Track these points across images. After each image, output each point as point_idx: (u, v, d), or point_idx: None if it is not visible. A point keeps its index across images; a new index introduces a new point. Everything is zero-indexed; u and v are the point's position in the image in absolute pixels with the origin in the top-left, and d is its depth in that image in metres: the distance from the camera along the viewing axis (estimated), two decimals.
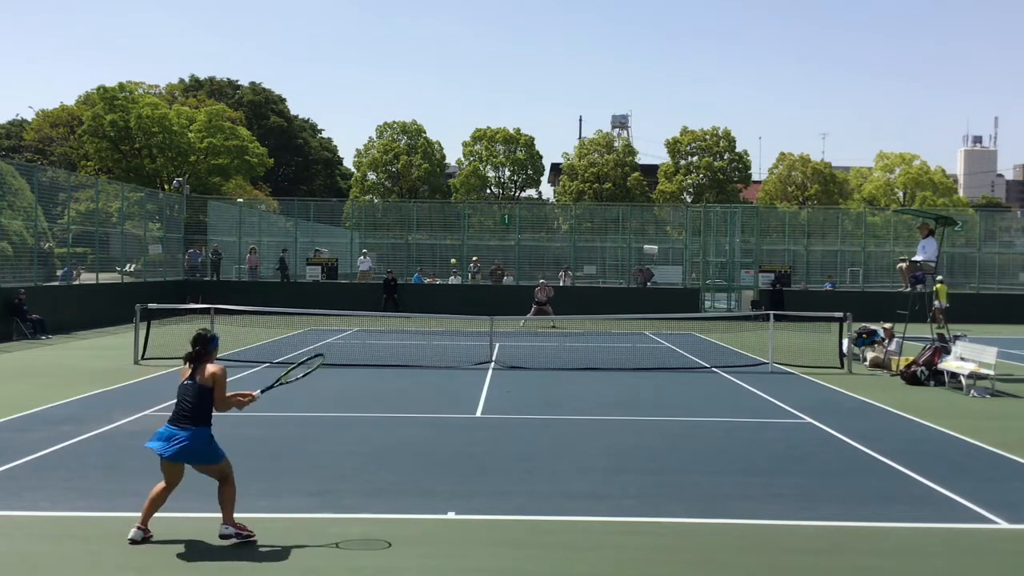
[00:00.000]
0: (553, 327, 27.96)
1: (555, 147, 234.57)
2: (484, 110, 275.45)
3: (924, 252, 18.15)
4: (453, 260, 36.33)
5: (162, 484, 6.77)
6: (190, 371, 6.93)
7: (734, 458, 9.89)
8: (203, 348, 7.00)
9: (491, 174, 69.58)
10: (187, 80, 76.61)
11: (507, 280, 35.82)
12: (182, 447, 6.62)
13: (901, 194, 68.67)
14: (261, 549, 6.63)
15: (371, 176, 69.41)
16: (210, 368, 6.92)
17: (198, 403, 6.79)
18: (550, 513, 7.64)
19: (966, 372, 15.06)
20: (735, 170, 67.59)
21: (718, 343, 23.84)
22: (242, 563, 6.33)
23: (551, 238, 41.04)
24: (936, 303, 18.89)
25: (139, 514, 7.45)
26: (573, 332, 26.73)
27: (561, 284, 35.22)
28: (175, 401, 6.92)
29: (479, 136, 69.11)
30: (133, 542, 6.59)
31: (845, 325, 18.24)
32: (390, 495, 8.13)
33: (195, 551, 6.57)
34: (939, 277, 18.52)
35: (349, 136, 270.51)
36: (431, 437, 10.78)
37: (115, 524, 7.18)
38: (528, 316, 27.58)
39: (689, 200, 65.39)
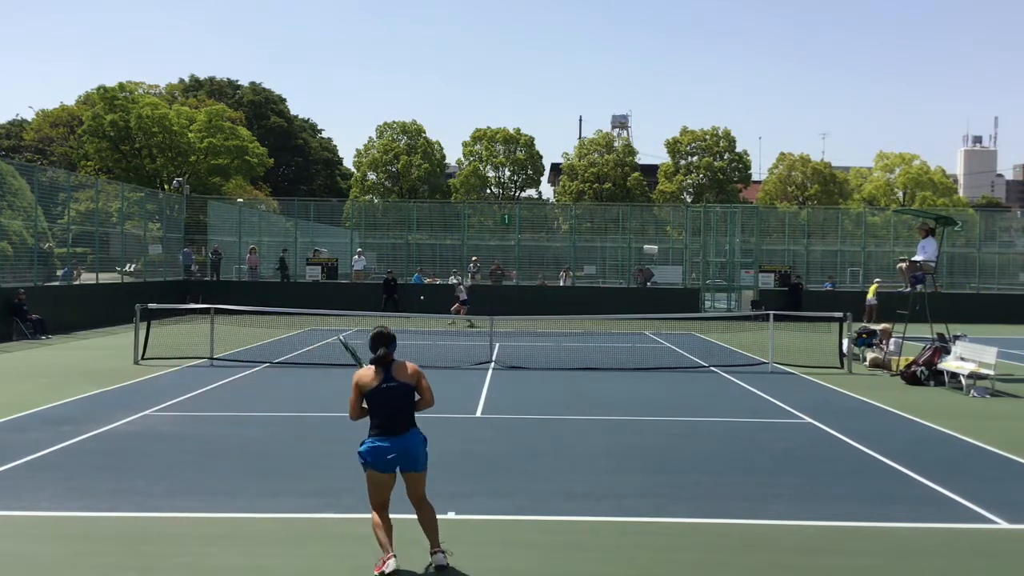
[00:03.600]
0: (470, 326, 27.66)
1: (555, 147, 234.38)
2: (484, 110, 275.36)
3: (924, 252, 18.16)
4: (457, 282, 35.98)
5: (376, 513, 6.21)
6: (381, 375, 6.26)
7: (734, 458, 9.89)
8: (387, 348, 6.30)
9: (491, 174, 69.59)
10: (187, 80, 76.62)
11: (512, 280, 35.87)
12: (421, 453, 6.25)
13: (901, 194, 68.67)
14: (262, 549, 6.62)
15: (371, 176, 69.42)
16: (409, 365, 6.40)
17: (409, 405, 6.31)
18: (550, 513, 7.64)
19: (966, 372, 15.06)
20: (735, 170, 67.61)
21: (718, 343, 23.84)
22: (242, 563, 6.33)
23: (551, 238, 41.04)
24: (868, 301, 18.92)
25: (138, 514, 7.46)
26: (573, 332, 26.73)
27: (561, 284, 35.25)
28: (377, 411, 6.25)
29: (479, 136, 69.13)
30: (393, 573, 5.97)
31: (845, 325, 18.24)
32: (390, 495, 8.11)
33: (196, 551, 6.56)
34: (877, 279, 18.60)
35: (349, 136, 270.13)
36: (431, 437, 10.74)
37: (115, 524, 7.18)
38: (458, 316, 27.45)
39: (689, 200, 65.40)
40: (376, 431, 6.20)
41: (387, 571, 5.88)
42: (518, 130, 69.01)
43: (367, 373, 6.30)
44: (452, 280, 32.95)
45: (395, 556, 5.98)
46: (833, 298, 32.29)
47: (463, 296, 29.38)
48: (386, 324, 6.62)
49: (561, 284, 35.25)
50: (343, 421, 11.76)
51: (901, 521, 7.52)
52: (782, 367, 17.92)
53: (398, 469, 6.21)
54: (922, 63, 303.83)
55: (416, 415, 6.35)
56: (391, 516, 6.27)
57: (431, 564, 6.17)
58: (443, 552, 6.15)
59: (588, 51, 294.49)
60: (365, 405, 6.29)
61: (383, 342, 6.31)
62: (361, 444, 6.26)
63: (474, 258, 35.66)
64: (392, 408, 6.21)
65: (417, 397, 6.39)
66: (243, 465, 9.24)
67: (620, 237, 37.30)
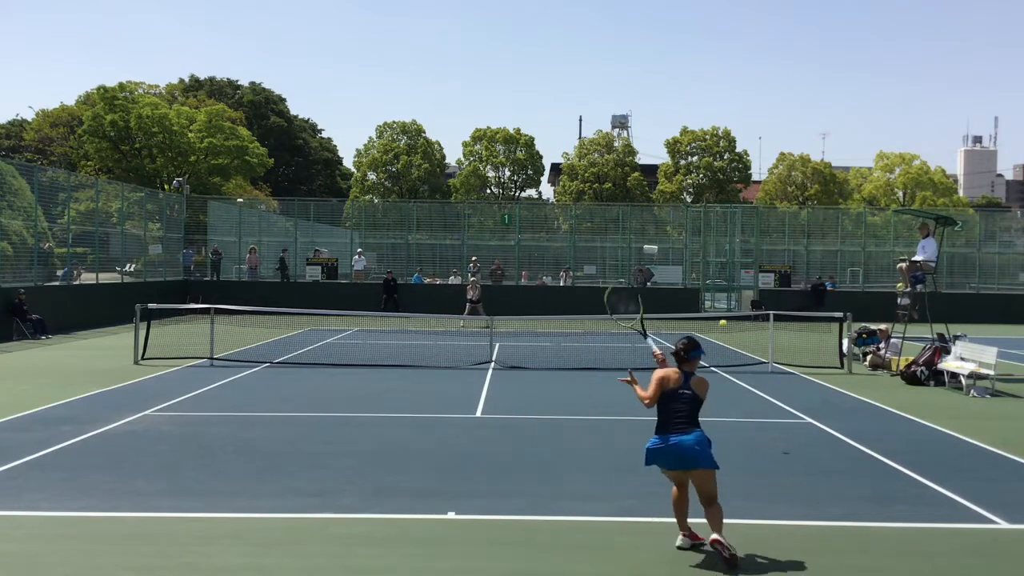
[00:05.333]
0: (486, 327, 27.53)
1: (555, 147, 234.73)
2: (484, 110, 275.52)
3: (924, 252, 18.15)
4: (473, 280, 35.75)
5: (676, 491, 6.78)
6: (682, 379, 6.80)
7: (734, 458, 9.88)
8: (690, 355, 6.84)
9: (491, 174, 69.60)
10: (187, 80, 76.64)
11: (530, 280, 35.91)
12: (686, 448, 6.62)
13: (901, 194, 68.68)
14: (262, 549, 6.62)
15: (371, 176, 69.43)
16: (705, 381, 6.90)
17: (695, 410, 6.81)
18: (550, 513, 7.64)
19: (966, 372, 15.06)
20: (735, 170, 67.60)
21: (718, 343, 23.84)
22: (242, 563, 6.33)
23: (551, 238, 41.04)
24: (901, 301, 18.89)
25: (138, 514, 7.47)
26: (573, 332, 26.73)
27: (561, 284, 35.24)
28: (666, 411, 6.77)
29: (479, 136, 69.12)
30: (682, 548, 6.64)
31: (845, 325, 18.23)
32: (390, 495, 8.12)
33: (196, 551, 6.56)
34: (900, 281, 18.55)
35: (349, 136, 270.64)
36: (431, 437, 10.78)
37: (115, 524, 7.18)
38: (464, 316, 27.45)
39: (689, 200, 65.40)
40: (664, 429, 6.77)
41: (677, 544, 6.63)
42: (518, 130, 69.01)
43: (671, 373, 6.85)
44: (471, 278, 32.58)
45: (685, 535, 6.67)
46: (860, 299, 32.26)
47: (473, 296, 29.32)
48: (694, 333, 7.16)
49: (561, 284, 35.25)
50: (343, 421, 11.78)
51: (901, 521, 7.52)
52: (782, 367, 17.92)
53: (685, 466, 6.63)
54: (922, 63, 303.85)
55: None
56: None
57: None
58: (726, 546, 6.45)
59: (588, 51, 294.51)
60: (665, 409, 6.82)
61: (693, 347, 6.88)
62: (649, 441, 6.86)
63: (474, 258, 35.66)
64: (681, 411, 6.74)
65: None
66: (243, 465, 9.24)
67: (620, 237, 37.30)
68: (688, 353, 6.82)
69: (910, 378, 16.32)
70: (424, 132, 70.10)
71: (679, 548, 6.65)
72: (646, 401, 6.88)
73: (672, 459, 6.63)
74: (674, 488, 6.78)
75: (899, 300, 18.28)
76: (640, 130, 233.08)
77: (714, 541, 6.41)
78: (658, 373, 6.88)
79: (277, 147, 71.64)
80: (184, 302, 28.32)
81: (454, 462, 9.45)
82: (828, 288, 36.14)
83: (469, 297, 29.23)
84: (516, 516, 7.56)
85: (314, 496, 8.03)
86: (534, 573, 6.24)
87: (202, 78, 77.91)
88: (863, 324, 20.72)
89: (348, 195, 68.75)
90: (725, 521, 7.43)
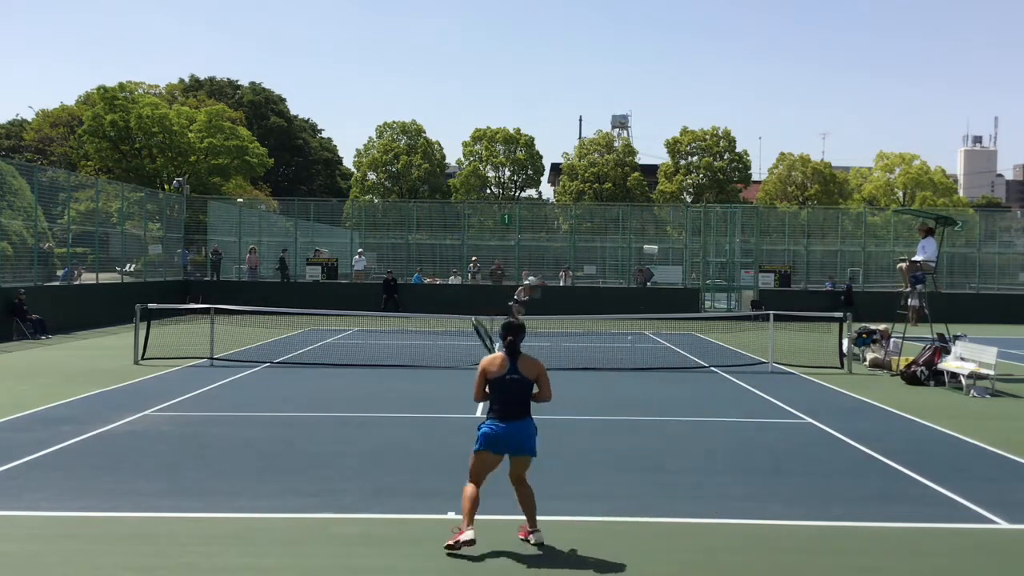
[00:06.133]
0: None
1: (555, 147, 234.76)
2: (484, 110, 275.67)
3: (924, 252, 18.15)
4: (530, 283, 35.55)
5: (473, 487, 6.69)
6: (507, 365, 6.68)
7: (734, 458, 9.89)
8: (515, 338, 6.71)
9: (491, 174, 69.57)
10: (187, 80, 76.61)
11: (530, 280, 35.84)
12: (523, 436, 6.69)
13: (901, 194, 68.68)
14: (262, 549, 6.62)
15: (371, 176, 69.42)
16: (536, 362, 6.78)
17: (526, 396, 6.76)
18: (550, 513, 7.63)
19: (966, 372, 15.06)
20: (735, 170, 67.59)
21: (718, 343, 23.84)
22: (242, 563, 6.33)
23: (551, 238, 41.04)
24: (911, 302, 18.85)
25: (138, 514, 7.46)
26: (573, 332, 26.73)
27: (561, 284, 35.24)
28: (497, 398, 6.76)
29: (479, 136, 69.10)
30: (471, 542, 6.43)
31: (845, 325, 18.24)
32: (390, 495, 8.13)
33: (196, 551, 6.56)
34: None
35: (349, 136, 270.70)
36: (431, 437, 10.78)
37: (115, 524, 7.18)
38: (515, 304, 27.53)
39: (689, 200, 65.40)
40: (496, 415, 6.72)
41: (463, 539, 6.40)
42: (518, 130, 69.00)
43: (494, 360, 6.75)
44: (529, 280, 32.37)
45: (473, 530, 6.44)
46: (860, 299, 32.24)
47: (523, 297, 29.38)
48: (515, 317, 7.25)
49: (561, 284, 35.25)
50: (343, 421, 11.78)
51: (901, 521, 7.52)
52: (782, 367, 17.92)
53: (510, 452, 6.71)
54: (922, 63, 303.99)
55: (533, 405, 6.88)
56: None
57: (533, 543, 6.66)
58: (538, 531, 6.72)
59: (588, 51, 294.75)
60: (491, 397, 6.81)
61: (513, 332, 6.72)
62: (480, 426, 6.80)
63: (474, 258, 35.67)
64: (512, 397, 6.69)
65: (536, 390, 6.85)
66: (243, 465, 9.24)
67: (620, 237, 37.31)
68: (504, 338, 6.74)
69: (910, 378, 16.32)
70: (424, 132, 70.10)
71: (466, 543, 6.40)
72: (475, 396, 6.89)
73: (504, 444, 6.65)
74: (470, 485, 6.68)
75: (907, 301, 18.26)
76: (640, 130, 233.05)
77: (537, 532, 6.66)
78: (482, 362, 6.82)
79: (277, 147, 71.62)
80: (184, 302, 28.33)
81: (454, 462, 9.44)
82: (828, 288, 36.18)
83: (518, 298, 29.27)
84: (516, 516, 7.55)
85: (314, 496, 8.03)
86: (534, 573, 6.23)
87: (202, 78, 77.90)
88: (863, 324, 20.73)
89: (348, 195, 68.75)
90: (725, 521, 7.45)
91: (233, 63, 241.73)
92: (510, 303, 28.95)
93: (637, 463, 9.58)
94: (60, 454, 9.61)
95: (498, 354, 6.80)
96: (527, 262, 37.43)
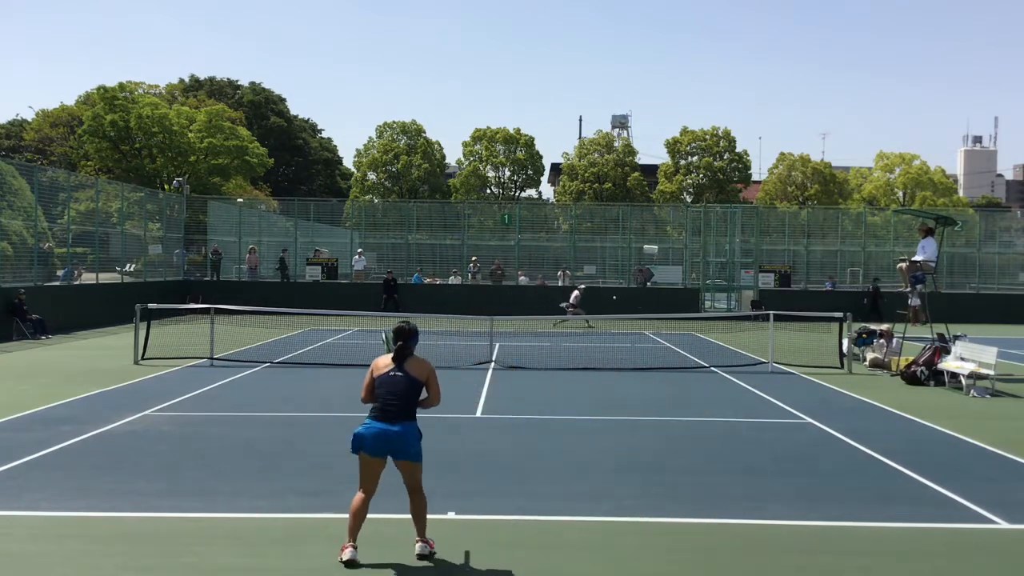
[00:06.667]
0: (589, 326, 28.18)
1: (555, 147, 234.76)
2: (484, 110, 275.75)
3: (924, 252, 18.15)
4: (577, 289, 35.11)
5: (361, 495, 6.39)
6: (393, 364, 6.47)
7: (734, 458, 9.89)
8: (405, 343, 6.52)
9: (491, 174, 69.60)
10: (187, 80, 76.63)
11: (523, 280, 35.90)
12: (399, 438, 6.31)
13: (901, 194, 68.68)
14: (262, 549, 6.62)
15: (371, 176, 69.44)
16: (425, 363, 6.56)
17: (409, 396, 6.42)
18: (550, 513, 7.64)
19: (966, 372, 15.06)
20: (735, 170, 67.61)
21: (718, 343, 23.84)
22: (242, 563, 6.33)
23: (551, 238, 41.03)
24: (912, 302, 18.82)
25: (138, 514, 7.46)
26: (573, 332, 26.74)
27: (560, 284, 35.23)
28: (379, 396, 6.44)
29: (479, 136, 69.12)
30: (352, 563, 6.17)
31: (845, 325, 18.23)
32: (390, 495, 8.09)
33: (196, 551, 6.56)
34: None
35: (349, 136, 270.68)
36: (431, 437, 10.74)
37: (115, 524, 7.18)
38: (564, 317, 27.62)
39: (689, 200, 65.40)
40: (373, 414, 6.44)
41: (343, 558, 6.18)
42: (518, 130, 69.01)
43: (383, 360, 6.58)
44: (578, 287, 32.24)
45: (355, 548, 6.22)
46: (860, 299, 32.23)
47: (575, 301, 29.46)
48: (409, 320, 6.86)
49: (560, 284, 35.25)
50: (343, 421, 11.77)
51: (901, 521, 7.52)
52: (782, 367, 17.91)
53: (390, 458, 6.39)
54: (922, 63, 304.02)
55: (419, 413, 6.58)
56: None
57: (416, 553, 6.43)
58: (426, 542, 6.44)
59: (588, 51, 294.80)
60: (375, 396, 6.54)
61: (402, 336, 6.57)
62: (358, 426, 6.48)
63: (474, 258, 35.66)
64: (393, 395, 6.39)
65: (424, 395, 6.58)
66: (243, 465, 9.24)
67: (620, 237, 37.30)
68: (395, 342, 6.54)
69: (910, 378, 16.32)
70: (424, 132, 70.12)
71: (345, 563, 6.16)
72: (362, 396, 6.62)
73: (378, 446, 6.31)
74: (360, 493, 6.39)
75: (908, 301, 18.26)
76: (640, 130, 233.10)
77: (420, 542, 6.40)
78: (373, 363, 6.63)
79: (277, 147, 71.64)
80: (184, 302, 28.33)
81: (454, 462, 9.45)
82: (828, 288, 36.18)
83: (571, 303, 29.30)
84: (516, 516, 7.56)
85: (314, 496, 8.03)
86: (534, 573, 6.24)
87: (202, 78, 77.91)
88: (863, 324, 20.72)
89: (348, 195, 68.76)
90: (725, 521, 7.45)
91: (233, 63, 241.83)
92: (563, 304, 29.12)
93: (637, 463, 9.58)
94: (60, 454, 9.60)
95: (387, 355, 6.59)
96: (527, 262, 37.43)
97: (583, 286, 31.13)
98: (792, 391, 15.00)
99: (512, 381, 15.71)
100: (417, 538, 6.47)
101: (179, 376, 15.77)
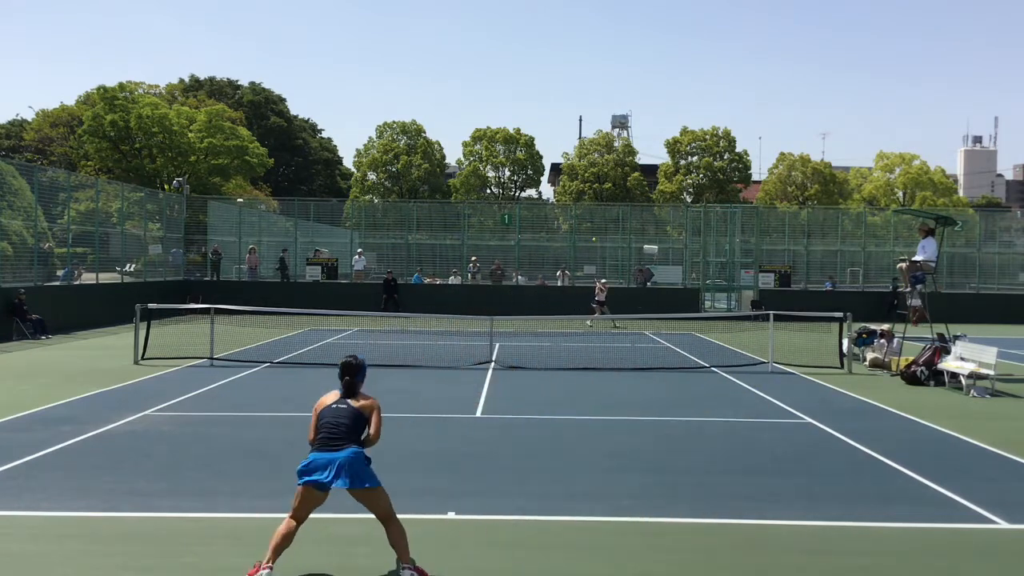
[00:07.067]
0: (615, 327, 28.22)
1: (555, 147, 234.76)
2: (484, 110, 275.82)
3: (924, 252, 18.15)
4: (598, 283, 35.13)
5: (292, 523, 6.00)
6: (338, 398, 6.30)
7: (734, 458, 9.89)
8: (352, 378, 6.36)
9: (491, 174, 69.61)
10: (187, 80, 76.59)
11: (521, 280, 35.92)
12: (348, 463, 5.99)
13: (901, 194, 68.68)
14: (262, 549, 6.61)
15: (371, 176, 69.44)
16: (372, 401, 6.35)
17: (355, 427, 6.17)
18: (550, 513, 7.64)
19: (966, 372, 15.06)
20: (735, 170, 67.61)
21: (718, 343, 23.84)
22: (242, 563, 6.32)
23: (551, 238, 41.02)
24: (912, 302, 18.79)
25: (138, 514, 7.46)
26: (573, 332, 26.73)
27: (559, 284, 35.23)
28: (323, 427, 6.16)
29: (479, 136, 69.12)
30: None
31: (845, 325, 18.23)
32: (390, 495, 8.11)
33: (196, 551, 6.56)
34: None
35: (349, 136, 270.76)
36: (431, 437, 10.78)
37: (115, 524, 7.18)
38: (594, 317, 27.68)
39: (689, 200, 65.40)
40: (317, 447, 6.11)
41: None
42: (518, 130, 69.01)
43: (329, 396, 6.34)
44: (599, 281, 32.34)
45: (272, 569, 5.80)
46: (860, 298, 32.19)
47: (601, 297, 29.53)
48: (355, 354, 6.61)
49: (559, 284, 35.25)
50: None
51: (901, 521, 7.52)
52: (782, 367, 17.91)
53: (341, 485, 6.00)
54: (922, 63, 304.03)
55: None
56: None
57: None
58: (415, 569, 5.99)
59: (588, 51, 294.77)
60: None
61: (349, 371, 6.38)
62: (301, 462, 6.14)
63: (474, 258, 35.66)
64: (338, 425, 6.12)
65: (365, 435, 6.27)
66: (243, 465, 9.24)
67: (620, 237, 37.30)
68: (341, 378, 6.37)
69: (910, 378, 16.32)
70: (424, 132, 70.13)
71: None
72: (309, 438, 6.25)
73: (330, 473, 5.94)
74: (290, 519, 6.01)
75: (909, 301, 18.25)
76: (640, 130, 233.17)
77: (407, 568, 5.94)
78: (318, 402, 6.35)
79: (277, 147, 71.61)
80: (184, 302, 28.32)
81: (454, 462, 9.45)
82: (828, 288, 36.17)
83: (597, 299, 29.42)
84: (516, 516, 7.56)
85: None
86: (534, 573, 6.24)
87: (202, 78, 77.88)
88: (863, 324, 20.72)
89: (348, 195, 68.76)
90: (725, 521, 7.45)
91: (233, 63, 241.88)
92: (593, 304, 29.23)
93: (637, 463, 9.58)
94: (60, 454, 9.60)
95: (333, 392, 6.39)
96: (527, 262, 37.43)
97: (604, 280, 31.27)
98: (792, 391, 15.00)
99: (512, 381, 15.71)
100: (404, 565, 5.98)
101: (179, 376, 15.77)
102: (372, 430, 6.27)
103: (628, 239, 36.64)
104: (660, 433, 11.30)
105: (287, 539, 5.94)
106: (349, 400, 6.26)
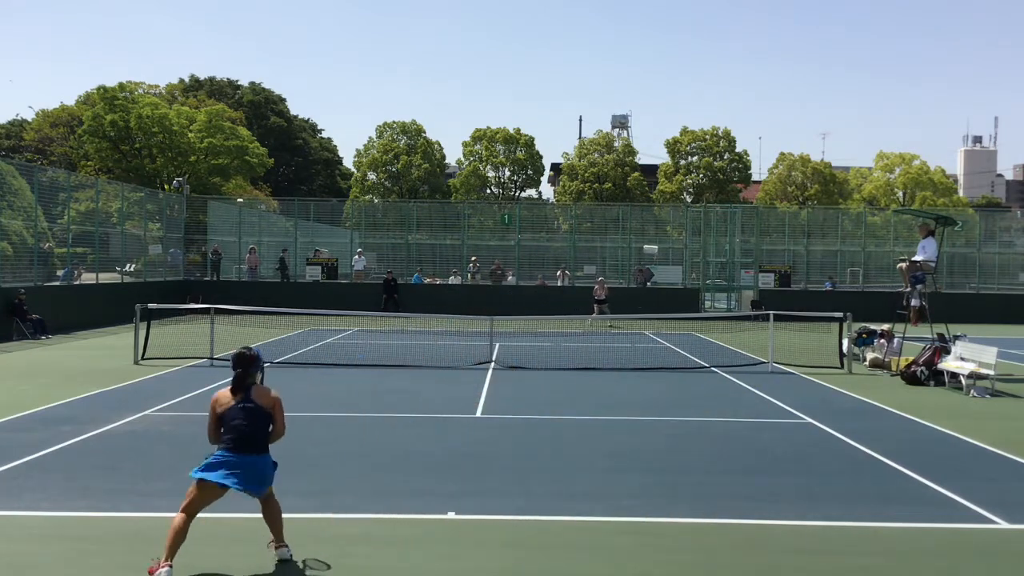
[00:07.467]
0: (610, 327, 28.23)
1: (555, 147, 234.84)
2: (484, 110, 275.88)
3: (924, 252, 18.14)
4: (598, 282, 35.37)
5: (184, 517, 6.02)
6: (238, 396, 6.17)
7: (734, 458, 9.89)
8: (245, 371, 6.24)
9: (491, 174, 69.63)
10: (187, 80, 76.58)
11: (515, 280, 35.92)
12: (258, 469, 6.11)
13: (901, 194, 68.69)
14: (262, 549, 6.62)
15: (371, 176, 69.45)
16: (272, 392, 6.28)
17: (264, 427, 6.17)
18: (550, 513, 7.64)
19: (966, 372, 15.05)
20: (735, 170, 67.63)
21: (718, 343, 23.84)
22: (243, 563, 6.32)
23: (551, 238, 41.02)
24: (913, 302, 18.73)
25: (138, 514, 7.46)
26: (573, 332, 26.74)
27: (559, 284, 35.22)
28: (230, 429, 6.11)
29: (479, 136, 69.14)
30: None
31: (845, 325, 18.23)
32: (390, 495, 8.12)
33: (196, 551, 6.55)
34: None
35: (349, 136, 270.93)
36: (431, 437, 10.78)
37: (115, 524, 7.18)
38: (593, 316, 27.68)
39: (689, 200, 65.40)
40: (227, 446, 6.08)
41: (158, 574, 5.79)
42: (518, 130, 69.03)
43: (224, 394, 6.24)
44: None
45: (171, 567, 5.82)
46: (860, 298, 32.21)
47: (601, 296, 29.53)
48: (250, 345, 6.52)
49: (559, 284, 35.24)
50: (343, 421, 11.78)
51: (901, 521, 7.52)
52: (782, 367, 17.91)
53: (250, 490, 6.10)
54: (922, 63, 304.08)
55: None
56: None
57: (275, 558, 6.26)
58: (286, 547, 6.25)
59: (588, 51, 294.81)
60: (223, 429, 6.15)
61: (242, 363, 6.26)
62: (206, 456, 6.13)
63: (474, 258, 35.66)
64: (244, 427, 6.08)
65: (271, 430, 6.30)
66: None
67: (620, 237, 37.30)
68: (235, 369, 6.24)
69: (910, 378, 16.32)
70: (424, 132, 70.14)
71: None
72: (209, 437, 6.24)
73: (234, 476, 5.99)
74: (181, 515, 5.98)
75: (911, 301, 18.24)
76: (640, 130, 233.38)
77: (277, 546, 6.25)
78: (212, 398, 6.27)
79: (277, 147, 71.60)
80: (184, 302, 28.32)
81: (454, 462, 9.45)
82: (828, 288, 36.16)
83: (597, 297, 29.43)
84: (516, 516, 7.56)
85: (314, 496, 8.03)
86: (534, 573, 6.24)
87: (202, 78, 77.87)
88: (863, 324, 20.72)
89: (348, 195, 68.75)
90: (725, 521, 7.45)
91: (233, 63, 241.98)
92: (594, 303, 29.23)
93: (637, 463, 9.57)
94: (60, 454, 9.60)
95: (225, 389, 6.26)
96: (527, 262, 37.42)
97: (601, 278, 31.28)
98: (792, 391, 15.00)
99: (512, 381, 15.71)
100: (276, 542, 6.23)
101: (179, 376, 15.77)
102: (278, 426, 6.31)
103: (628, 239, 36.64)
104: (660, 433, 11.30)
105: (183, 535, 5.96)
106: (255, 399, 6.18)
